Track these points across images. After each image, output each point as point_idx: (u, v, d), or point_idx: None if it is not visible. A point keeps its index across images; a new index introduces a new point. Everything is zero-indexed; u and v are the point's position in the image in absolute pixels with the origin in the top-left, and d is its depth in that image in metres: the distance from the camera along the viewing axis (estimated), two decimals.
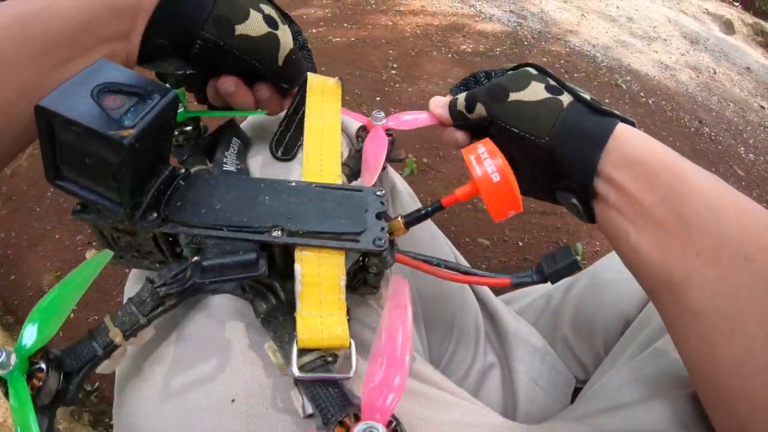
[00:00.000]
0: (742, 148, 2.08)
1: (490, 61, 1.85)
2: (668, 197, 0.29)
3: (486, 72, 0.43)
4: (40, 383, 0.25)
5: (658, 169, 0.30)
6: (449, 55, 1.88)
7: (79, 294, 0.27)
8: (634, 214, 0.31)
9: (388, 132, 0.45)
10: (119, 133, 0.25)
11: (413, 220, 0.33)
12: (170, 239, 0.32)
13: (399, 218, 0.32)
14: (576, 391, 0.60)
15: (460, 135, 0.43)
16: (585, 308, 0.61)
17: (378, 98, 1.58)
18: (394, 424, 0.23)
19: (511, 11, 2.51)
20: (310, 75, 0.42)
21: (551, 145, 0.34)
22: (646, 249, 0.30)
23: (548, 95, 0.35)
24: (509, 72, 0.39)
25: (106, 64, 0.28)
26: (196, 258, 0.30)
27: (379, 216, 0.32)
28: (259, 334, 0.32)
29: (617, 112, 0.34)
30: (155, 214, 0.29)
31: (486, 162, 0.31)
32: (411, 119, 0.46)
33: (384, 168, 0.47)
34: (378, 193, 0.33)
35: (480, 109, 0.38)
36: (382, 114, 0.44)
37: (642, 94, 2.01)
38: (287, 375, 0.28)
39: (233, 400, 0.28)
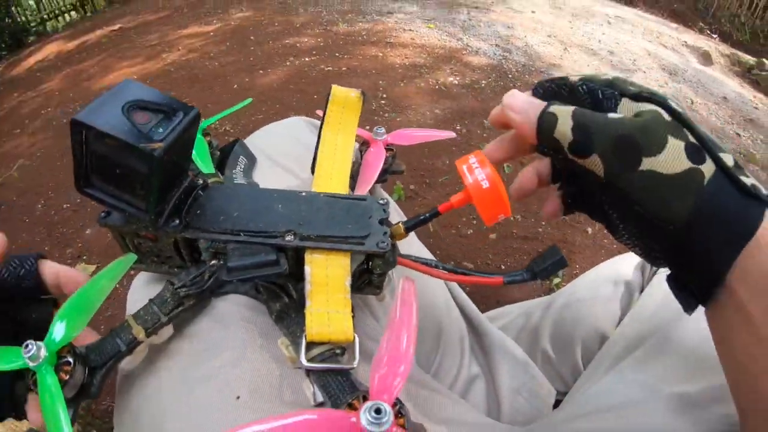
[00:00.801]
0: None
1: (476, 94, 1.92)
2: None
3: (589, 86, 0.30)
4: (67, 376, 0.27)
5: None
6: (436, 87, 1.95)
7: (105, 294, 0.29)
8: (750, 341, 0.26)
9: (389, 147, 0.48)
10: (151, 146, 0.27)
11: (413, 225, 0.35)
12: (190, 244, 0.34)
13: (400, 224, 0.35)
14: (556, 404, 0.62)
15: (551, 206, 0.35)
16: (563, 325, 0.64)
17: (367, 127, 1.64)
18: (398, 406, 0.26)
19: (496, 45, 2.60)
20: (334, 86, 0.44)
21: (679, 233, 0.26)
22: (751, 371, 0.26)
23: (689, 165, 0.26)
24: (636, 117, 0.27)
25: (132, 84, 0.31)
26: (214, 261, 0.33)
27: (381, 222, 0.35)
28: (262, 337, 0.34)
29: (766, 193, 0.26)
30: (177, 221, 0.32)
31: (477, 171, 0.33)
32: (410, 134, 0.49)
33: (384, 180, 0.50)
34: (380, 201, 0.36)
35: (596, 164, 0.27)
36: (383, 130, 0.48)
37: None
38: (299, 367, 0.30)
39: (238, 397, 0.30)
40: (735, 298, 0.26)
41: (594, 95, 0.29)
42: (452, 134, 0.53)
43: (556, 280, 1.16)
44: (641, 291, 0.60)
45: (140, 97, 0.29)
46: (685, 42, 4.59)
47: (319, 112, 0.45)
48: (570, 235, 1.38)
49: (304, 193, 0.36)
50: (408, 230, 0.35)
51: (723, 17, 5.71)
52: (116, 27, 3.34)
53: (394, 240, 0.35)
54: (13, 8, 3.97)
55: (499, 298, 1.10)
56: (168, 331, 0.33)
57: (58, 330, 0.27)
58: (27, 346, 0.26)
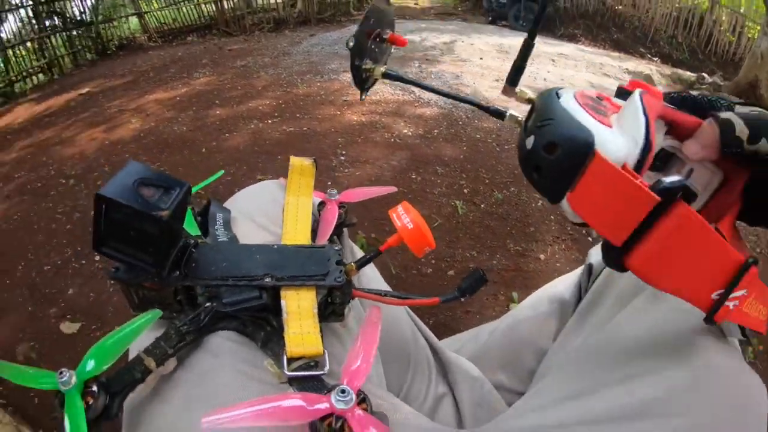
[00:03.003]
0: None
1: (429, 143, 2.06)
2: None
3: (709, 98, 0.39)
4: (92, 401, 0.33)
5: None
6: (392, 140, 2.08)
7: (129, 342, 0.36)
8: None
9: (341, 204, 0.59)
10: (159, 213, 0.36)
11: (361, 263, 0.46)
12: (188, 291, 0.42)
13: (352, 263, 0.45)
14: None
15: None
16: (510, 345, 0.72)
17: (329, 183, 1.76)
18: (362, 395, 0.34)
19: None
20: (292, 158, 0.56)
21: None
22: None
23: None
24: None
25: (136, 164, 0.39)
26: (208, 304, 0.41)
27: (338, 263, 0.45)
28: (244, 362, 0.40)
29: None
30: (178, 272, 0.41)
31: (403, 216, 0.44)
32: (357, 193, 0.60)
33: (340, 232, 0.60)
34: (336, 248, 0.47)
35: (765, 146, 0.35)
36: (336, 191, 0.59)
37: None
38: (284, 382, 0.38)
39: None
40: None
41: (713, 105, 0.38)
42: (393, 189, 0.63)
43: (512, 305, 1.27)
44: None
45: (145, 176, 0.38)
46: (627, 69, 4.83)
47: (283, 180, 0.57)
48: (523, 263, 1.49)
49: (276, 246, 0.46)
50: (359, 267, 0.45)
51: (661, 40, 6.04)
52: (84, 91, 3.38)
53: (349, 276, 0.44)
54: None
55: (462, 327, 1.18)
56: (172, 363, 0.40)
57: (89, 365, 0.34)
58: (61, 372, 0.32)
